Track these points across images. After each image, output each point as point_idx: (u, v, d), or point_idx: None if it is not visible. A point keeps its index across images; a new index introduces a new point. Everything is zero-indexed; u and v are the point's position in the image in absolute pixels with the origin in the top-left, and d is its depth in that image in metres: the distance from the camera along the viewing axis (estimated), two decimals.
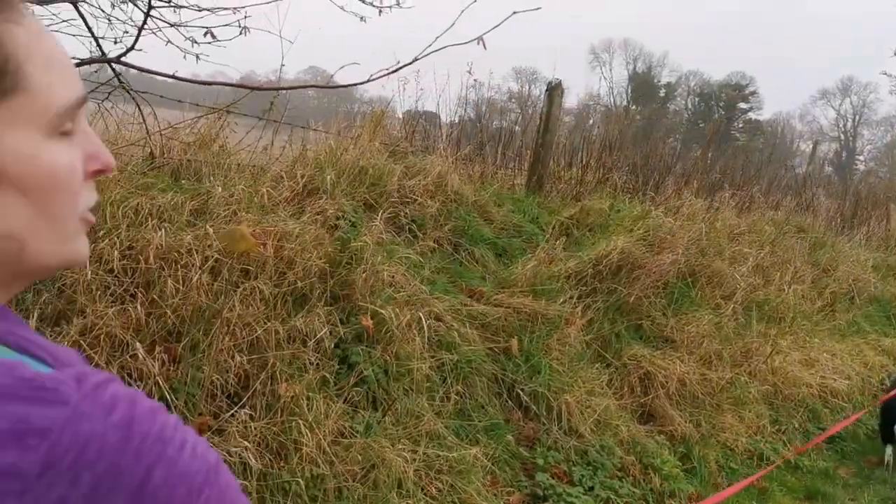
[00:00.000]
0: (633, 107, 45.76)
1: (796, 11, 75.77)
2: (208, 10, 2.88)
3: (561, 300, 4.68)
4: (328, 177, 4.21)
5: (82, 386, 0.54)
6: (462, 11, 2.03)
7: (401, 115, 6.27)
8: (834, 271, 7.93)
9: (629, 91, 52.20)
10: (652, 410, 4.72)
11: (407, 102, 6.16)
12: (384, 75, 2.30)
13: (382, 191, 4.56)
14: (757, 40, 71.67)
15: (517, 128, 8.54)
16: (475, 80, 5.75)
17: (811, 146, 18.57)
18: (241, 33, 2.87)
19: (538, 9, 2.03)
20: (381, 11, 3.80)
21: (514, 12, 2.05)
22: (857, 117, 54.44)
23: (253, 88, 2.69)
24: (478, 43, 1.94)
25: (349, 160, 4.56)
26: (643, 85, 51.92)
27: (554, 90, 6.23)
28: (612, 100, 50.35)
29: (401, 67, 2.27)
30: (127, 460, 0.52)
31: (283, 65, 4.19)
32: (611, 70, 54.19)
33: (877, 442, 5.69)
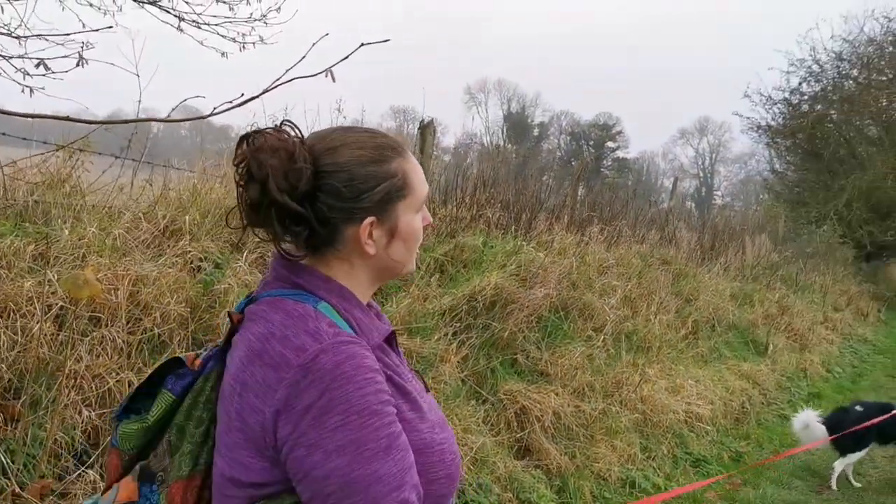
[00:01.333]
0: (509, 146, 47.03)
1: (655, 56, 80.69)
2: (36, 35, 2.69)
3: (436, 337, 4.66)
4: (191, 217, 4.04)
5: (334, 339, 1.15)
6: (313, 45, 2.00)
7: None
8: (696, 301, 8.34)
9: (504, 130, 53.71)
10: (528, 445, 4.74)
11: None
12: (228, 108, 2.21)
13: (251, 231, 4.40)
14: (621, 82, 75.67)
15: None
16: (344, 118, 5.70)
17: (672, 183, 19.74)
18: (78, 64, 2.70)
19: (387, 41, 2.02)
20: (243, 47, 3.72)
21: (363, 44, 2.03)
22: (714, 155, 58.34)
23: (76, 121, 2.52)
24: (326, 75, 1.90)
25: (214, 199, 4.40)
26: (518, 125, 53.61)
27: (426, 128, 6.28)
28: (488, 139, 51.63)
29: (247, 100, 2.19)
30: (328, 378, 1.11)
31: (139, 101, 4.01)
32: (486, 110, 55.69)
33: (740, 463, 5.97)
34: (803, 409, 6.13)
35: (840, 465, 5.57)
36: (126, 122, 2.76)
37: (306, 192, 1.19)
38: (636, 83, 76.12)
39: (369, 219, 1.23)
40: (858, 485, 5.52)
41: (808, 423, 5.83)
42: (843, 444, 5.58)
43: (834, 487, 5.52)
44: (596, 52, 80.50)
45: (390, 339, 1.33)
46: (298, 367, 1.12)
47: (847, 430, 5.44)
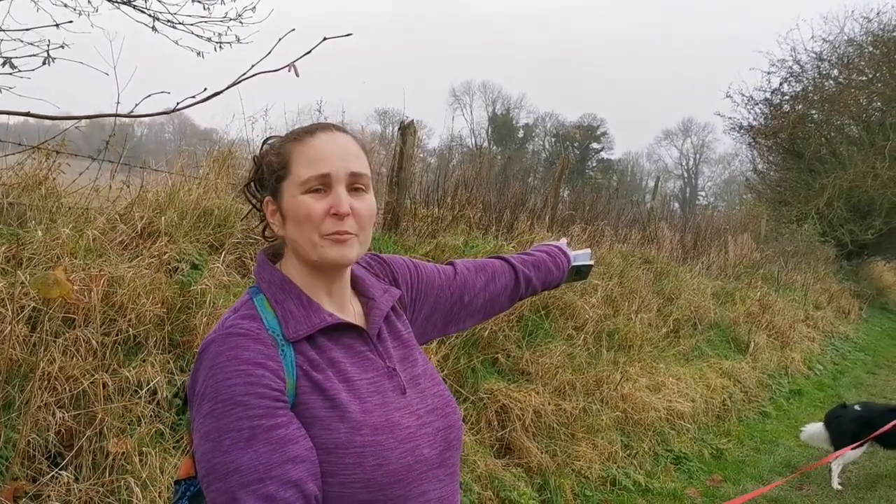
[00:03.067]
0: (494, 147, 47.11)
1: (639, 57, 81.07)
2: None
3: None
4: (168, 218, 4.02)
5: (225, 330, 1.22)
6: (279, 40, 2.00)
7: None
8: (677, 299, 8.38)
9: (489, 132, 53.80)
10: (509, 443, 4.75)
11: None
12: (192, 104, 2.20)
13: (229, 232, 4.40)
14: (605, 84, 75.97)
15: (382, 168, 8.53)
16: (325, 119, 5.69)
17: (654, 182, 19.83)
18: (44, 63, 2.68)
19: (349, 35, 2.03)
20: (220, 47, 3.71)
21: (325, 38, 2.04)
22: (698, 156, 58.68)
23: (36, 116, 2.49)
24: (289, 70, 1.90)
25: (192, 200, 4.38)
26: (503, 126, 53.68)
27: (406, 129, 6.27)
28: (473, 141, 51.67)
29: (211, 96, 2.18)
30: (208, 367, 1.18)
31: (118, 102, 3.99)
32: (471, 112, 55.76)
33: (721, 460, 6.01)
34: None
35: (837, 464, 5.60)
36: (87, 117, 2.75)
37: (256, 179, 1.40)
38: (622, 84, 76.45)
39: (267, 198, 1.35)
40: (839, 487, 5.55)
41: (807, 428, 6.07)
42: (839, 443, 5.61)
43: (837, 486, 5.53)
44: (581, 54, 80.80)
45: (340, 329, 1.33)
46: (198, 355, 1.23)
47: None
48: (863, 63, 20.20)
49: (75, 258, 3.28)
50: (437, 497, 1.31)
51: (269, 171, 1.34)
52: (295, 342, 1.25)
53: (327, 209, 1.28)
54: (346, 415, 1.23)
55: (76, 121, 3.05)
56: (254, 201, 1.41)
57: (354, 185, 1.32)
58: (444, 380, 4.56)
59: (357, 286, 1.45)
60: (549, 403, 5.04)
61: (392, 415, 1.28)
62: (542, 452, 4.74)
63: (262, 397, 1.16)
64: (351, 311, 1.39)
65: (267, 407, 1.16)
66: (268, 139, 1.40)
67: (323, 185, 1.29)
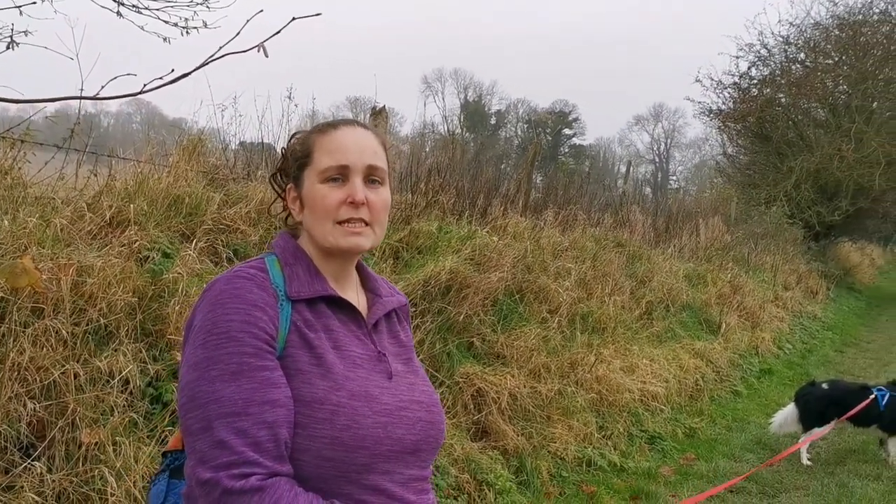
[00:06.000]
0: (467, 134, 47.05)
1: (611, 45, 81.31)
2: None
3: None
4: (137, 207, 3.96)
5: (233, 273, 1.30)
6: (247, 21, 1.97)
7: (224, 143, 5.99)
8: (650, 282, 8.46)
9: (462, 119, 53.70)
10: (486, 426, 4.77)
11: (249, 132, 5.97)
12: (160, 86, 2.17)
13: (200, 220, 4.35)
14: (576, 70, 76.15)
15: None
16: (296, 106, 5.66)
17: (626, 167, 20.03)
18: (8, 47, 2.63)
19: (318, 14, 2.02)
20: (186, 32, 3.66)
21: (294, 18, 2.02)
22: (669, 140, 59.14)
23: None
24: (258, 51, 1.88)
25: (162, 189, 4.33)
26: (475, 113, 53.62)
27: (378, 114, 6.25)
28: (446, 128, 51.55)
29: (179, 77, 2.15)
30: (210, 302, 1.25)
31: (81, 89, 3.92)
32: (443, 99, 55.63)
33: (694, 439, 6.10)
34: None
35: (804, 442, 5.70)
36: (54, 100, 2.69)
37: (281, 170, 1.48)
38: (592, 71, 76.67)
39: (290, 185, 1.44)
40: (808, 463, 5.65)
41: (776, 418, 6.07)
42: (807, 421, 5.71)
43: (806, 462, 5.63)
44: (554, 40, 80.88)
45: (339, 305, 1.40)
46: (202, 293, 1.29)
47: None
48: (829, 46, 20.46)
49: (43, 248, 3.23)
50: (403, 481, 1.34)
51: (293, 158, 1.42)
52: (294, 301, 1.33)
53: (343, 198, 1.36)
54: (329, 374, 1.29)
55: (43, 105, 2.99)
56: (278, 189, 1.48)
57: (371, 177, 1.39)
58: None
59: (367, 283, 1.53)
60: (524, 386, 5.07)
61: (372, 389, 1.33)
62: (518, 435, 4.77)
63: (256, 338, 1.23)
64: (355, 300, 1.45)
65: (258, 347, 1.23)
66: (295, 134, 1.48)
67: (341, 175, 1.37)
